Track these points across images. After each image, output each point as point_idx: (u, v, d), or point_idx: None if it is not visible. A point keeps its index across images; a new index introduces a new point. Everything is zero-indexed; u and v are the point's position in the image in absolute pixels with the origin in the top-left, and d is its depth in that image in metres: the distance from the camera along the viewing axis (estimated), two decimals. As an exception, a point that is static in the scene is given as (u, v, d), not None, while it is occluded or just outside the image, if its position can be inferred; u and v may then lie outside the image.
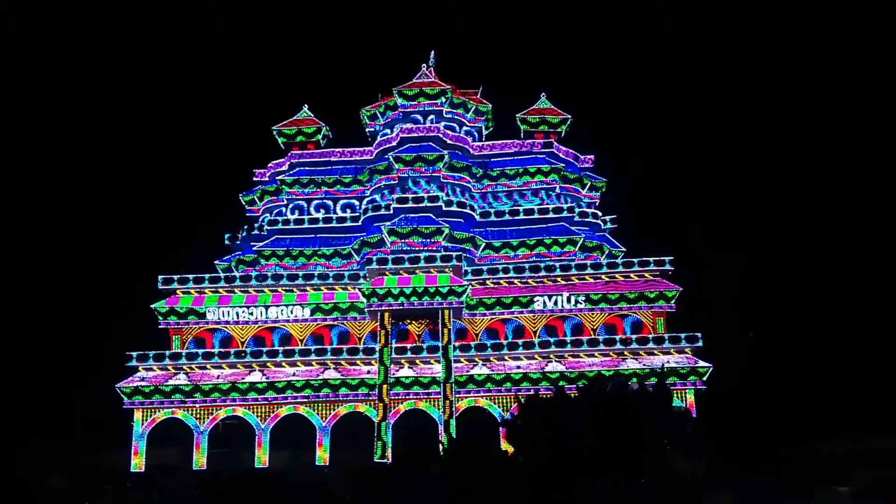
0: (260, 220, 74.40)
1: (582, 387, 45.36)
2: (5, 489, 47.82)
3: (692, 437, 42.02)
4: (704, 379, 61.31)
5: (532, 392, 61.02)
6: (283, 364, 64.30)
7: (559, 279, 66.81)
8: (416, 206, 68.99)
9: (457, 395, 61.72)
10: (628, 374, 58.88)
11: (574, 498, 39.67)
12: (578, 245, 68.67)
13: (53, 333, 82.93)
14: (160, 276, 67.80)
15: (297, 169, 74.70)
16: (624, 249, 71.64)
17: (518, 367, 62.96)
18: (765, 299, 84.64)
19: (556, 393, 45.14)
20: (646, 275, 66.88)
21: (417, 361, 63.98)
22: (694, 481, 40.54)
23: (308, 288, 67.52)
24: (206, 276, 68.27)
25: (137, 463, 61.12)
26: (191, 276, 67.83)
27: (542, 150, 74.39)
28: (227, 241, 74.84)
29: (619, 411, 40.78)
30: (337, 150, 76.10)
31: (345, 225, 71.51)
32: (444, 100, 74.70)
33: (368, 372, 63.05)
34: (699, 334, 63.56)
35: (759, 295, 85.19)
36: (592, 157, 77.33)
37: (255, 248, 70.94)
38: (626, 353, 63.49)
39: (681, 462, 40.99)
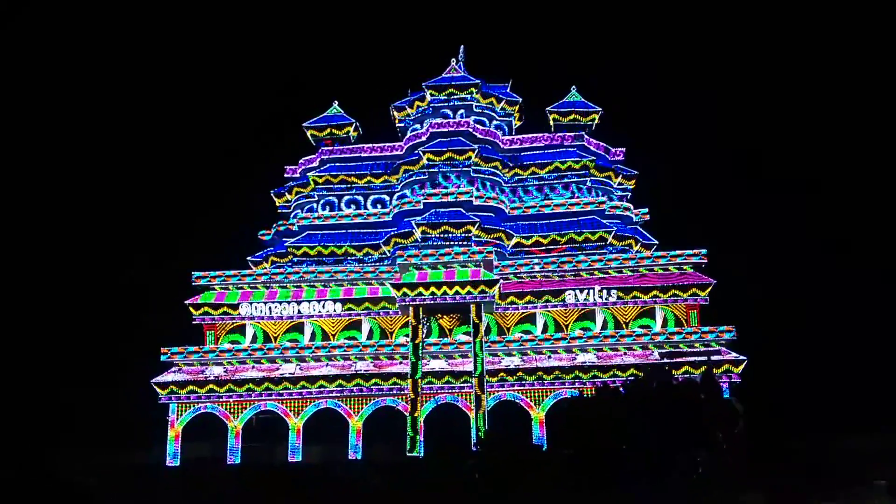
0: (291, 215, 74.96)
1: (632, 382, 45.33)
2: (41, 485, 48.44)
3: (744, 432, 41.83)
4: (739, 372, 60.66)
5: (564, 385, 61.18)
6: (316, 359, 64.70)
7: (591, 272, 66.48)
8: (446, 200, 68.98)
9: (488, 389, 61.66)
10: (668, 368, 58.20)
11: (615, 494, 39.64)
12: (610, 238, 68.32)
13: (89, 329, 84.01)
14: (194, 273, 68.51)
15: (328, 165, 75.04)
16: (656, 242, 71.28)
17: (550, 361, 62.77)
18: (800, 292, 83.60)
19: (602, 389, 45.15)
20: (679, 267, 66.35)
21: (449, 355, 64.02)
22: (735, 476, 40.39)
23: (340, 283, 67.85)
24: (239, 271, 68.91)
25: (173, 457, 61.85)
26: (224, 272, 68.49)
27: (573, 144, 74.08)
28: (259, 238, 75.48)
29: (672, 407, 40.69)
30: (367, 145, 76.37)
31: (375, 221, 71.81)
32: (473, 94, 74.65)
33: (400, 366, 63.20)
34: (733, 327, 63.01)
35: (794, 287, 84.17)
36: (623, 149, 76.99)
37: (286, 244, 71.40)
38: (659, 346, 63.05)
39: (732, 457, 40.85)
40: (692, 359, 58.72)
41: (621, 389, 45.73)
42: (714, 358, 60.65)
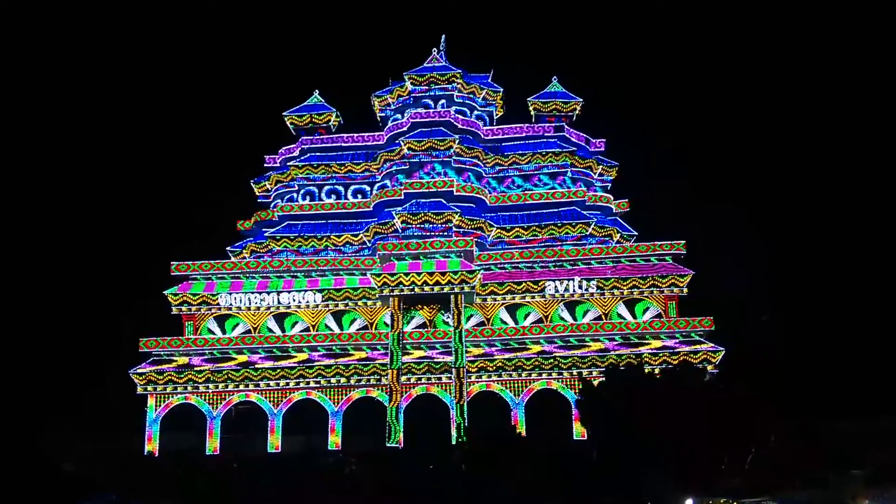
0: (271, 206, 74.61)
1: (668, 373, 45.62)
2: (25, 474, 48.13)
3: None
4: (717, 363, 61.02)
5: (544, 376, 61.41)
6: (296, 349, 64.49)
7: (571, 263, 66.61)
8: (427, 191, 68.85)
9: (468, 380, 61.70)
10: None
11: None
12: (590, 229, 68.50)
13: (69, 320, 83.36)
14: (173, 263, 67.99)
15: (309, 155, 74.71)
16: (636, 233, 71.61)
17: (529, 352, 62.89)
18: (779, 282, 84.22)
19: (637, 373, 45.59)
20: (658, 259, 66.64)
21: (429, 346, 64.01)
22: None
23: (320, 273, 67.63)
24: (219, 262, 68.47)
25: (151, 448, 61.52)
26: (203, 263, 67.99)
27: (554, 134, 74.20)
28: (238, 228, 75.08)
29: (711, 405, 41.09)
30: (348, 135, 76.11)
31: (356, 210, 71.64)
32: (454, 84, 74.52)
33: (380, 356, 63.11)
34: (711, 318, 63.38)
35: (772, 278, 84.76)
36: (604, 140, 77.13)
37: (266, 234, 71.10)
38: (638, 337, 63.34)
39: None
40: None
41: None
42: (690, 349, 61.09)
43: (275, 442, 61.48)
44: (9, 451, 49.17)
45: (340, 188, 73.34)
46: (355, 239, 70.10)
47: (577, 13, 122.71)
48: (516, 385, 61.93)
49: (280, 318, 66.54)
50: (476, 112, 76.43)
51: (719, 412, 40.69)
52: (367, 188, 73.03)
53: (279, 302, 66.29)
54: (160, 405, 62.83)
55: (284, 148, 77.33)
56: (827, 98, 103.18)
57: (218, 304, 66.21)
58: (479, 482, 42.28)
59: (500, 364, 62.19)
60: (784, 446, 41.61)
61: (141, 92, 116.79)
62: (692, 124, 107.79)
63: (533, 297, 65.40)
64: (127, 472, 52.19)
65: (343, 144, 75.40)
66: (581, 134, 75.85)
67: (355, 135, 76.00)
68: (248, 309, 66.42)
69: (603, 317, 64.82)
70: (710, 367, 60.25)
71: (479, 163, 71.90)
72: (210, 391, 62.88)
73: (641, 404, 41.50)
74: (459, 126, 72.73)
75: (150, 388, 62.89)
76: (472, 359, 62.40)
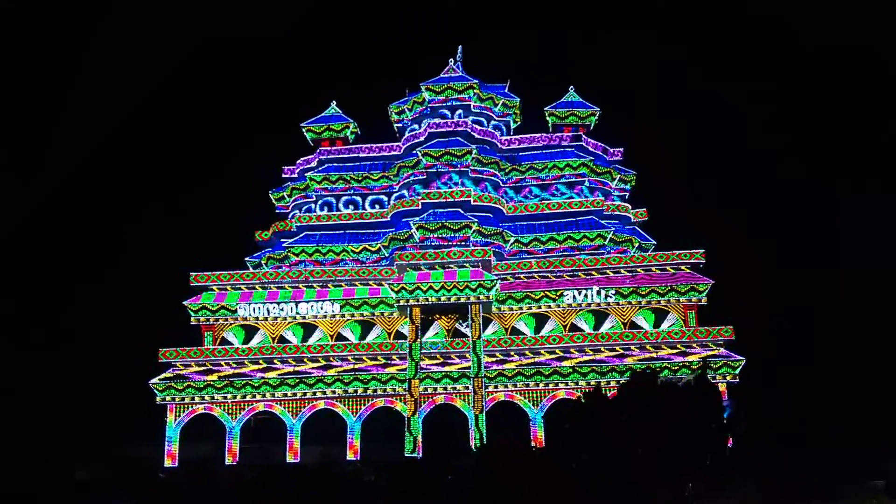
0: (289, 216, 74.94)
1: (635, 379, 45.59)
2: (39, 482, 48.42)
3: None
4: (737, 372, 60.62)
5: (562, 385, 61.24)
6: (314, 359, 64.63)
7: (589, 273, 66.45)
8: (444, 201, 68.88)
9: (487, 390, 61.58)
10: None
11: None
12: (608, 238, 68.32)
13: (87, 329, 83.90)
14: (192, 273, 68.39)
15: (326, 165, 75.00)
16: (654, 242, 71.28)
17: (548, 362, 62.71)
18: (797, 290, 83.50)
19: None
20: (676, 268, 66.35)
21: (447, 356, 63.96)
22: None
23: (338, 284, 67.78)
24: (237, 272, 68.80)
25: (170, 458, 61.75)
26: (222, 273, 68.34)
27: (571, 144, 74.12)
28: (256, 239, 75.42)
29: (680, 407, 41.07)
30: (365, 146, 76.34)
31: (373, 221, 71.80)
32: (471, 94, 74.64)
33: (399, 366, 63.12)
34: (731, 327, 63.03)
35: (791, 286, 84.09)
36: (622, 149, 77.02)
37: (284, 245, 71.36)
38: (657, 346, 63.05)
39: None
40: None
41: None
42: (711, 358, 60.68)
43: (293, 452, 61.57)
44: (25, 460, 49.49)
45: (358, 199, 73.53)
46: (373, 249, 70.23)
47: (595, 21, 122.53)
48: (535, 395, 61.75)
49: (299, 329, 66.69)
50: (493, 122, 76.51)
51: (674, 417, 40.62)
52: (385, 198, 73.18)
53: (297, 312, 66.44)
54: (179, 415, 63.10)
55: (302, 159, 77.69)
56: (842, 97, 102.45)
57: (236, 313, 66.48)
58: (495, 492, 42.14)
59: (518, 374, 62.05)
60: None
61: (159, 101, 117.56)
62: (711, 131, 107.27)
63: (551, 307, 65.26)
64: (144, 481, 52.44)
65: (360, 155, 75.65)
66: (598, 143, 75.73)
67: (372, 145, 76.24)
68: (267, 319, 66.64)
69: (622, 326, 64.57)
70: (730, 377, 60.16)
71: (496, 172, 71.90)
72: (229, 401, 63.11)
73: (609, 429, 41.85)
74: (476, 136, 72.80)
75: (169, 397, 63.19)
76: (491, 369, 62.29)
